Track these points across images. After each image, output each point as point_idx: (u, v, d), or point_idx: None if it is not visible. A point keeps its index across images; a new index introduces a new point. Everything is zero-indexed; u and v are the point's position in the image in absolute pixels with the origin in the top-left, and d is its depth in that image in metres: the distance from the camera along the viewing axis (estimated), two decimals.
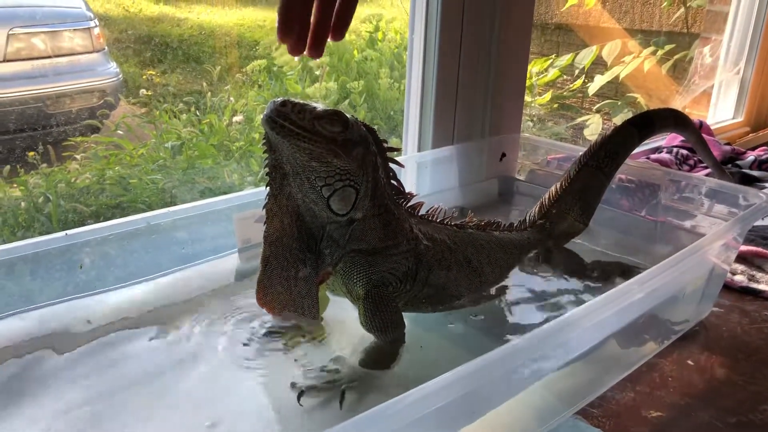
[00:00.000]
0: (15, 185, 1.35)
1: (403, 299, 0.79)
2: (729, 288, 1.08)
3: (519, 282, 0.92)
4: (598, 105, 2.66)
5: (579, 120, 2.63)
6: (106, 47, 1.52)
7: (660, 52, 2.56)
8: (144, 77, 1.63)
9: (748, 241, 1.19)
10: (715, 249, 0.87)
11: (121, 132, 1.58)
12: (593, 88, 2.59)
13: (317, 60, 1.88)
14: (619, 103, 2.59)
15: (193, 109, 1.68)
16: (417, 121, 1.29)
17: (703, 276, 0.92)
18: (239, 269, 0.96)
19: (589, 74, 2.60)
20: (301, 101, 0.68)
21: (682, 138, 1.67)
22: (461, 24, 1.24)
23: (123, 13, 1.60)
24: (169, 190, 1.47)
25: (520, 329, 0.85)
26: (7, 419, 0.67)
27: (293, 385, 0.71)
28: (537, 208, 1.02)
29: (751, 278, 1.11)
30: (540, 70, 2.63)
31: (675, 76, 2.55)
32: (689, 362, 0.88)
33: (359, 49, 2.07)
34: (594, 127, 2.49)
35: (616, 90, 2.67)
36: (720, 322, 0.98)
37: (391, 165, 0.79)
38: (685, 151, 1.70)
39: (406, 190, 0.81)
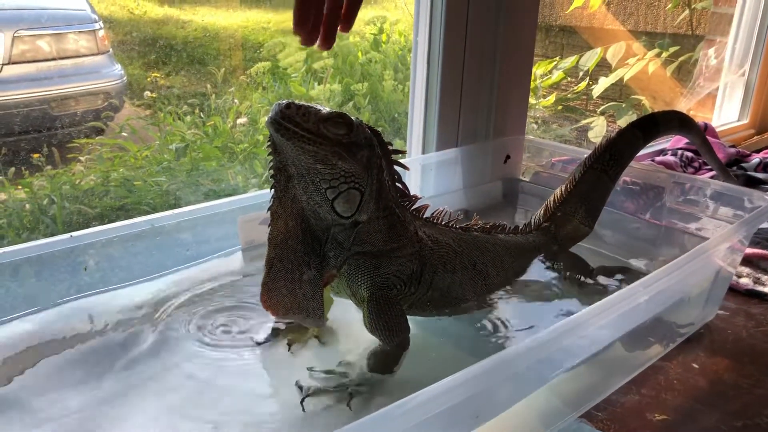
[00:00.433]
0: (20, 187, 1.36)
1: (407, 302, 0.79)
2: (734, 291, 1.07)
3: (524, 285, 0.92)
4: (602, 107, 2.66)
5: (583, 122, 2.63)
6: (111, 49, 1.52)
7: (665, 54, 2.55)
8: (148, 79, 1.64)
9: (753, 243, 1.19)
10: (720, 252, 0.87)
11: (125, 134, 1.58)
12: (597, 90, 2.58)
13: (323, 61, 1.88)
14: (624, 105, 2.59)
15: (197, 111, 1.68)
16: (421, 123, 1.29)
17: (708, 279, 0.92)
18: (243, 271, 0.96)
19: (593, 76, 2.60)
20: (306, 103, 0.68)
21: (687, 140, 1.67)
22: (465, 26, 1.24)
23: (128, 16, 1.61)
24: (173, 192, 1.47)
25: (525, 332, 0.85)
26: (9, 420, 0.67)
27: (300, 387, 0.71)
28: (542, 211, 1.01)
29: (757, 281, 1.10)
30: (544, 72, 2.62)
31: (680, 78, 2.54)
32: (694, 365, 0.87)
33: (363, 51, 2.08)
34: (598, 130, 2.49)
35: (620, 92, 2.66)
36: (725, 325, 0.98)
37: (396, 167, 0.79)
38: (689, 154, 1.69)
39: (411, 193, 0.81)
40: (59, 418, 0.67)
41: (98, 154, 1.50)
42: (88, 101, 1.50)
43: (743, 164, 1.72)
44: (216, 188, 1.51)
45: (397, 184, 0.79)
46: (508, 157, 1.32)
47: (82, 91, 1.49)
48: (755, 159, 1.74)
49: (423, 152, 1.30)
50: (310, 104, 0.69)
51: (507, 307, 0.89)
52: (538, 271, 0.95)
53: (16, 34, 1.33)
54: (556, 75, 2.63)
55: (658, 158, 1.68)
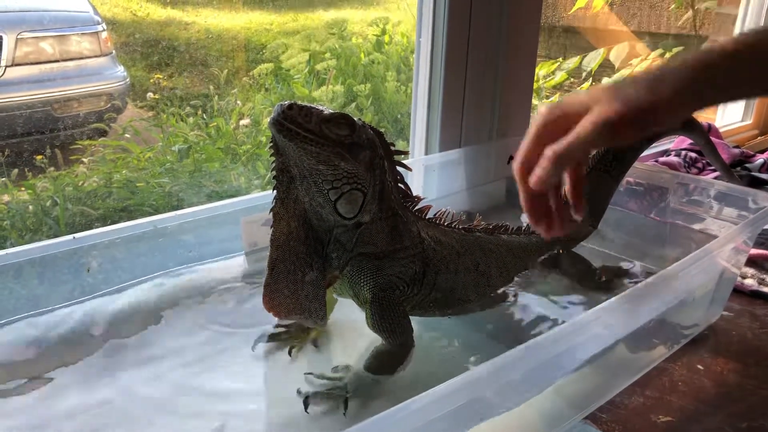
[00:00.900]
0: (23, 189, 1.36)
1: (410, 303, 0.79)
2: (739, 292, 1.07)
3: (527, 286, 0.92)
4: None
5: None
6: (114, 51, 1.52)
7: (668, 55, 2.54)
8: (151, 81, 1.64)
9: (758, 244, 1.18)
10: (724, 252, 0.87)
11: (128, 135, 1.58)
12: None
13: (326, 62, 1.88)
14: None
15: (200, 112, 1.68)
16: (424, 124, 1.29)
17: (712, 280, 0.91)
18: (246, 272, 0.96)
19: (596, 77, 2.59)
20: (308, 104, 0.68)
21: (691, 141, 1.66)
22: (468, 26, 1.24)
23: (130, 17, 1.61)
24: (176, 194, 1.47)
25: (529, 333, 0.85)
26: (12, 422, 0.67)
27: (299, 391, 0.71)
28: None
29: (761, 282, 1.10)
30: (547, 72, 2.62)
31: None
32: (699, 367, 0.87)
33: (366, 52, 2.07)
34: None
35: None
36: (730, 326, 0.98)
37: (399, 168, 0.78)
38: (693, 154, 1.69)
39: (414, 194, 0.81)
40: (60, 421, 0.67)
41: (101, 155, 1.50)
42: (90, 103, 1.50)
43: (747, 165, 1.71)
44: (219, 189, 1.51)
45: (400, 184, 0.79)
46: (511, 157, 1.30)
47: (84, 93, 1.49)
48: (759, 159, 1.73)
49: (426, 153, 1.30)
50: (312, 105, 0.69)
51: (510, 309, 0.89)
52: (541, 271, 0.95)
53: (19, 36, 1.34)
54: (559, 76, 2.62)
55: (661, 159, 1.68)
